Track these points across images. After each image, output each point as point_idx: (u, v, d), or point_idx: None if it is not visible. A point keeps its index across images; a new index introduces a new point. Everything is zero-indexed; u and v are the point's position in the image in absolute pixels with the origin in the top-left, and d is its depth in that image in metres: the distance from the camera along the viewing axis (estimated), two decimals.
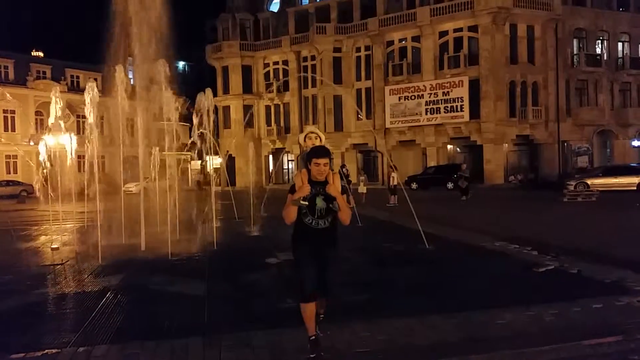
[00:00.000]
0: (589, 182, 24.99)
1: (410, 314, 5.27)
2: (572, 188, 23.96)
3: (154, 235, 10.50)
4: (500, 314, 5.25)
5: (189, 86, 40.71)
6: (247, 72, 47.89)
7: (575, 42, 39.45)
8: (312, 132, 4.71)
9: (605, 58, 39.84)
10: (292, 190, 4.20)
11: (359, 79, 43.03)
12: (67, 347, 4.62)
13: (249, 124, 46.64)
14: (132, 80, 13.24)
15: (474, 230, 12.00)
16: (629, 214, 15.87)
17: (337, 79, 42.36)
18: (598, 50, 40.10)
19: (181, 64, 69.11)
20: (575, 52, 39.39)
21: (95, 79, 11.15)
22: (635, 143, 40.66)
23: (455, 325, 4.97)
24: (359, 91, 42.96)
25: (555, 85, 37.85)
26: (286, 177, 47.85)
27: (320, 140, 4.64)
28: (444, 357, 4.23)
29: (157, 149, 12.57)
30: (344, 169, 22.80)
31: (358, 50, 43.12)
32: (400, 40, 40.96)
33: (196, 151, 12.65)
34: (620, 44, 40.95)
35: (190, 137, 13.86)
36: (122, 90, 10.12)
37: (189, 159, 16.90)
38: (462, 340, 4.58)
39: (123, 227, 11.01)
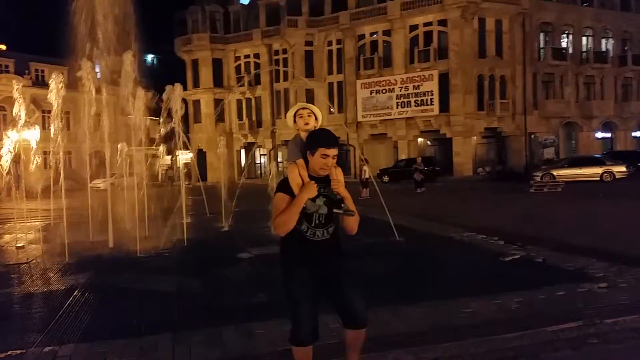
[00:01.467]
0: (554, 173, 25.66)
1: (380, 305, 5.33)
2: (538, 179, 24.57)
3: (123, 232, 10.34)
4: (467, 303, 5.36)
5: (158, 79, 39.97)
6: (217, 65, 47.35)
7: (541, 36, 40.31)
8: (303, 108, 3.33)
9: (570, 52, 40.88)
10: (283, 187, 3.14)
11: (330, 72, 43.05)
12: (32, 347, 4.52)
13: (220, 118, 46.17)
14: (98, 74, 12.92)
15: (443, 222, 12.20)
16: (593, 203, 16.37)
17: (309, 73, 42.24)
18: (564, 44, 41.09)
19: (150, 57, 67.90)
20: (541, 45, 40.26)
21: (62, 73, 10.83)
22: (599, 135, 41.94)
23: (424, 315, 5.06)
24: (330, 85, 42.99)
25: (522, 79, 38.62)
26: (259, 172, 47.61)
27: (316, 119, 3.30)
28: (413, 346, 4.30)
29: (125, 144, 12.35)
30: None
31: (330, 43, 43.10)
32: (372, 34, 41.10)
33: (165, 146, 12.46)
34: (584, 38, 42.04)
35: (159, 131, 13.66)
36: (88, 84, 9.89)
37: (158, 154, 16.64)
38: (430, 330, 4.67)
39: (90, 224, 10.80)
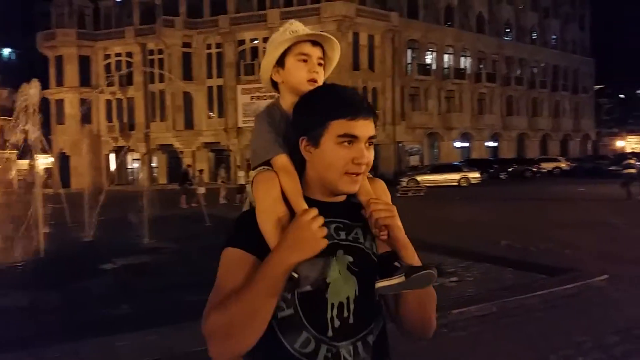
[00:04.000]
0: (418, 178, 27.77)
1: None
2: (404, 184, 26.42)
3: None
4: None
5: (16, 76, 36.25)
6: (85, 63, 44.06)
7: (409, 52, 43.52)
8: (313, 42, 1.41)
9: (434, 68, 44.64)
10: (241, 233, 1.24)
11: (210, 76, 42.24)
12: None
13: (86, 119, 42.95)
14: None
15: None
16: (450, 206, 18.01)
17: (187, 75, 41.12)
18: (428, 61, 44.77)
19: (6, 51, 61.18)
20: (409, 61, 43.47)
21: None
22: (458, 144, 46.28)
23: None
24: (210, 89, 42.20)
25: (391, 91, 41.31)
26: (130, 178, 45.06)
27: (322, 62, 1.42)
28: None
29: None
30: (189, 168, 22.28)
31: (209, 47, 42.34)
32: (252, 40, 41.16)
33: (21, 149, 11.33)
34: (446, 56, 46.17)
35: (14, 133, 12.37)
36: None
37: (14, 158, 15.07)
38: None
39: None
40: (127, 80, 43.41)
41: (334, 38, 1.42)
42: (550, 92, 54.59)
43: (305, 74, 1.34)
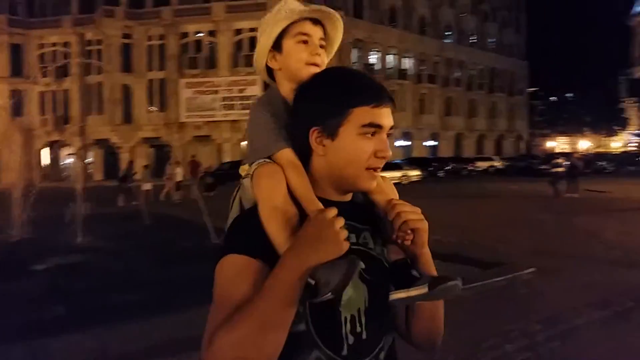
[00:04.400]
0: None
1: (188, 309, 5.32)
2: None
3: None
4: None
5: None
6: (16, 52, 41.70)
7: (354, 51, 44.08)
8: (314, 21, 1.21)
9: (378, 68, 45.47)
10: (241, 237, 1.07)
11: (151, 69, 41.06)
12: None
13: (17, 112, 40.66)
14: None
15: None
16: None
17: (127, 67, 39.78)
18: (372, 61, 45.54)
19: None
20: (354, 60, 44.04)
21: None
22: (399, 143, 47.42)
23: None
24: (151, 82, 41.00)
25: None
26: (64, 174, 43.03)
27: (324, 43, 1.23)
28: None
29: None
30: (131, 165, 21.74)
31: (150, 38, 41.13)
32: (196, 33, 40.35)
33: None
34: (390, 56, 47.13)
35: None
36: None
37: None
38: None
39: None
40: (63, 72, 41.46)
41: (336, 14, 1.24)
42: (486, 93, 56.92)
43: (305, 57, 1.17)
